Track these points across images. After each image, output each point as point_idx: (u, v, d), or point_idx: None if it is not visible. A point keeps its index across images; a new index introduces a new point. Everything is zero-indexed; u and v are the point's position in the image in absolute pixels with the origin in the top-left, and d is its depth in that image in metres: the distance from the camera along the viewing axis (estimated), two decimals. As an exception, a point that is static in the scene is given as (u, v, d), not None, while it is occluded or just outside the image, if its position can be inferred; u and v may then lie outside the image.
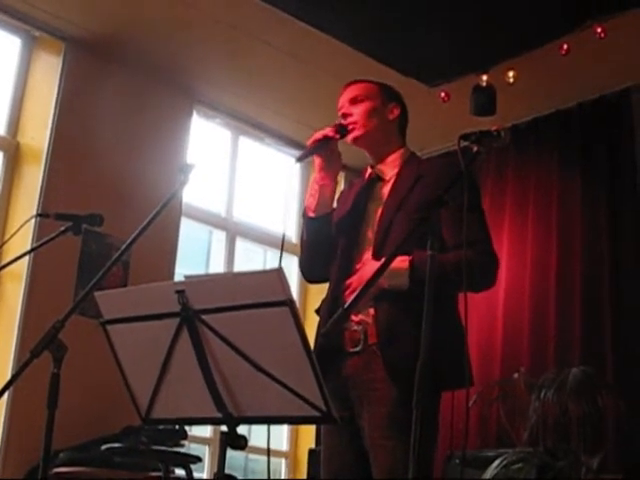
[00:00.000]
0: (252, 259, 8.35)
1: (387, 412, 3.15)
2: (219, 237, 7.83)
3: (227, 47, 6.63)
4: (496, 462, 5.40)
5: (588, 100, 6.94)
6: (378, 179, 3.52)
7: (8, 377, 4.34)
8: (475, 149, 2.86)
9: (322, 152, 3.49)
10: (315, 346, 3.29)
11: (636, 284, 6.32)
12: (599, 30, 5.92)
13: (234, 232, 7.79)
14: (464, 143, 2.84)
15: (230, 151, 7.90)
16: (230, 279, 2.51)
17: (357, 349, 3.29)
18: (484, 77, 6.58)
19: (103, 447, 5.58)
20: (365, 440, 3.25)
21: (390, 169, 3.51)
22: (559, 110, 7.12)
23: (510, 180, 7.30)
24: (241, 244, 7.91)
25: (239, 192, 7.90)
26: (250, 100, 7.45)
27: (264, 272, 2.31)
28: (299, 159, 3.51)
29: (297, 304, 2.30)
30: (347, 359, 3.31)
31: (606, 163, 6.75)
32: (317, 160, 3.51)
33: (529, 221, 7.05)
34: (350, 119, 3.49)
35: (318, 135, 3.45)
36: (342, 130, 3.48)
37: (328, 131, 3.46)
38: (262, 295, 2.28)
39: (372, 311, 3.27)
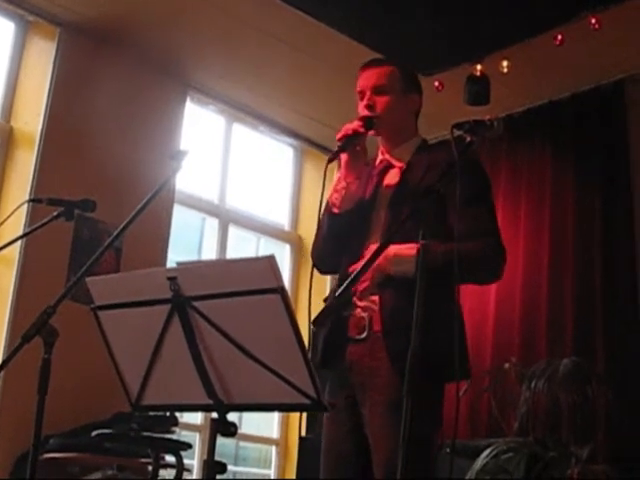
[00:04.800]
0: (245, 246, 8.35)
1: (389, 399, 3.13)
2: (212, 224, 7.83)
3: (222, 34, 6.62)
4: (486, 452, 5.41)
5: (582, 91, 6.93)
6: (390, 166, 3.51)
7: (-1, 362, 4.34)
8: (468, 139, 2.87)
9: (351, 148, 3.43)
10: (320, 333, 3.33)
11: (628, 275, 6.33)
12: (594, 21, 5.91)
13: (227, 219, 7.78)
14: (457, 132, 2.85)
15: (224, 138, 7.89)
16: (222, 266, 2.51)
17: (362, 336, 3.29)
18: (478, 67, 6.58)
19: (93, 433, 5.57)
20: (366, 427, 3.24)
21: (402, 157, 3.50)
22: (553, 100, 7.12)
23: (503, 170, 7.29)
24: (234, 231, 7.91)
25: (232, 179, 7.90)
26: (244, 87, 7.44)
27: (256, 259, 2.30)
28: (332, 159, 3.44)
29: (288, 292, 2.31)
30: (351, 345, 3.31)
31: (599, 154, 6.75)
32: (343, 156, 3.46)
33: (522, 210, 7.06)
34: (374, 112, 3.46)
35: (348, 130, 3.40)
36: (369, 123, 3.44)
37: (356, 126, 3.41)
38: (254, 282, 2.27)
39: (377, 298, 3.27)
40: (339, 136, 3.40)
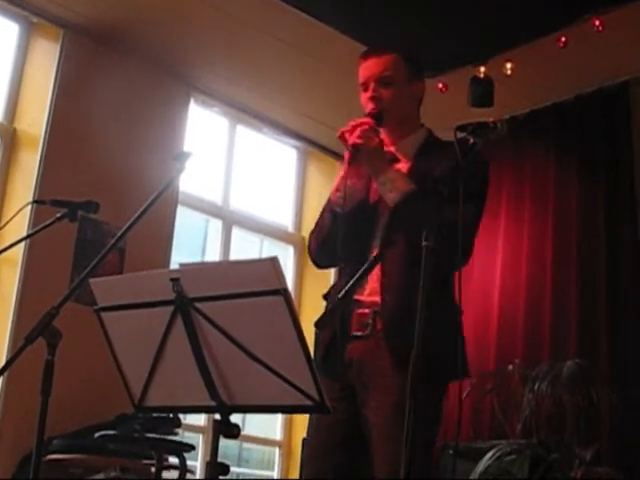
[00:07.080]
0: (248, 248, 8.35)
1: (394, 401, 3.03)
2: (215, 226, 7.82)
3: (225, 36, 6.61)
4: (489, 453, 5.41)
5: (586, 92, 6.92)
6: (395, 161, 3.37)
7: (2, 363, 4.34)
8: (471, 140, 2.86)
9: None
10: (321, 331, 3.25)
11: (632, 276, 6.32)
12: (597, 23, 5.91)
13: (230, 221, 7.78)
14: (461, 134, 2.84)
15: (227, 140, 7.89)
16: (225, 267, 2.51)
17: (365, 333, 3.22)
18: (482, 69, 6.57)
19: (97, 434, 5.58)
20: (367, 428, 3.17)
21: (407, 151, 3.39)
22: (556, 102, 7.11)
23: (506, 172, 7.28)
24: (237, 233, 7.91)
25: (236, 181, 7.89)
26: (248, 89, 7.44)
27: (259, 261, 2.30)
28: (353, 160, 3.25)
29: (292, 294, 2.30)
30: (352, 342, 3.23)
31: (603, 155, 6.74)
32: (347, 154, 3.27)
33: (525, 213, 7.05)
34: (381, 105, 3.33)
35: (364, 131, 3.21)
36: (379, 118, 3.30)
37: (368, 124, 3.25)
38: (257, 284, 2.28)
39: (379, 299, 3.20)
40: (354, 138, 3.21)
